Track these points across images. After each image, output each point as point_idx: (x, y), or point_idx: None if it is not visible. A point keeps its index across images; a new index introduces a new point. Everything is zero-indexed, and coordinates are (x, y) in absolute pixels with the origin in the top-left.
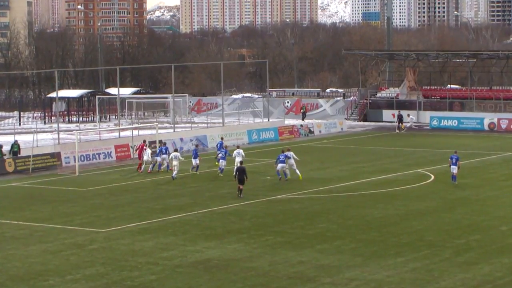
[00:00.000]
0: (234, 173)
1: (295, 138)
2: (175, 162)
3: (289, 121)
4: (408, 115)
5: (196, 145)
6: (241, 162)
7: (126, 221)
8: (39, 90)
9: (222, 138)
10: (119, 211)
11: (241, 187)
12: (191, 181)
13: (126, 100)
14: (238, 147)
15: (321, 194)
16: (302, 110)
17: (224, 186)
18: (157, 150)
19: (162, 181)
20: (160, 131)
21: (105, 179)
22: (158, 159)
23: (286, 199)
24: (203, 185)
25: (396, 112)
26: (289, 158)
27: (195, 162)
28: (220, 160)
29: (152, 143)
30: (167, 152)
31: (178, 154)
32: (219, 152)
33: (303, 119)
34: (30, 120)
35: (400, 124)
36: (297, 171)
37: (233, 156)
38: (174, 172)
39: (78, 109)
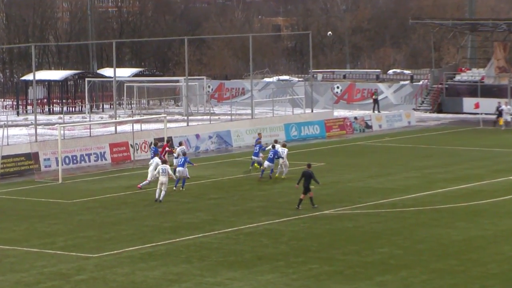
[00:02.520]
0: (298, 180)
1: (347, 135)
2: (162, 179)
3: (340, 112)
4: (506, 104)
5: (184, 153)
6: (308, 165)
7: (124, 243)
8: (10, 71)
9: (259, 134)
10: (115, 231)
11: (303, 197)
12: (211, 191)
13: (125, 84)
14: (276, 142)
15: (382, 209)
16: (374, 97)
17: (253, 198)
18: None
19: (170, 191)
20: (169, 125)
21: (97, 188)
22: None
23: (336, 215)
24: (226, 197)
25: (483, 101)
26: (281, 158)
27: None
28: (267, 164)
29: (158, 140)
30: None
31: (167, 167)
32: (258, 149)
33: (375, 110)
34: None
35: (499, 118)
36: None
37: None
38: (162, 193)
39: (61, 96)
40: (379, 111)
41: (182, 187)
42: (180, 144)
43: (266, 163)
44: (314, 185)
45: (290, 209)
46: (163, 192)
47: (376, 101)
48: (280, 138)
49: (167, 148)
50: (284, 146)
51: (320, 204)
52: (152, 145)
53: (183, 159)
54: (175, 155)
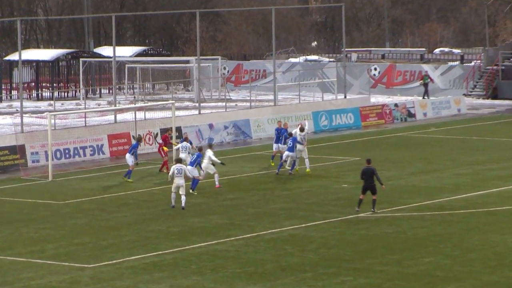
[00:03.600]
0: (361, 175)
1: (386, 125)
2: (179, 181)
3: (377, 98)
4: None
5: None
6: (368, 161)
7: (125, 252)
8: None
9: (285, 125)
10: (114, 237)
11: (362, 197)
12: (226, 191)
13: (126, 66)
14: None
15: (427, 212)
16: (424, 81)
17: (276, 198)
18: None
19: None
20: (178, 113)
21: (94, 186)
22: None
23: (373, 218)
24: (244, 197)
25: None
26: (300, 143)
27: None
28: (287, 154)
29: (164, 131)
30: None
31: (183, 167)
32: (283, 142)
33: (425, 96)
34: None
35: None
36: (307, 162)
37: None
38: (182, 199)
39: (52, 79)
40: (428, 97)
41: (192, 189)
42: (186, 139)
43: (285, 153)
44: (379, 185)
45: (319, 211)
46: (183, 198)
47: (426, 86)
48: (308, 128)
49: (170, 140)
50: (301, 130)
51: (354, 205)
52: (135, 141)
53: (195, 155)
54: (176, 147)
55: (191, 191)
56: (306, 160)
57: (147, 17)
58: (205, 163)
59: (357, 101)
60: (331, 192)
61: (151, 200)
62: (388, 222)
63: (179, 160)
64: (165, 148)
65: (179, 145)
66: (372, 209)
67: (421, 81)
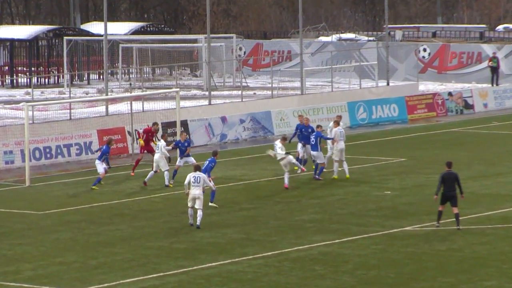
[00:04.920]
0: (439, 182)
1: (438, 118)
2: (196, 192)
3: (427, 86)
4: None
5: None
6: (449, 165)
7: (118, 273)
8: None
9: (306, 120)
10: (106, 254)
11: (441, 208)
12: (242, 198)
13: (121, 46)
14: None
15: (488, 225)
16: (492, 64)
17: (303, 208)
18: (173, 144)
19: (182, 197)
20: (184, 103)
21: (80, 193)
22: (179, 162)
23: (421, 233)
24: (264, 206)
25: None
26: (322, 138)
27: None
28: (313, 153)
29: (167, 128)
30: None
31: (201, 175)
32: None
33: (493, 83)
34: None
35: None
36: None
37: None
38: (198, 215)
39: (30, 61)
40: (497, 84)
41: (211, 201)
42: (109, 142)
43: (312, 154)
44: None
45: (356, 224)
46: (199, 213)
47: (495, 70)
48: (343, 123)
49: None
50: (337, 123)
51: (398, 217)
52: (105, 144)
53: (208, 161)
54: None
55: (210, 203)
56: (344, 163)
57: None
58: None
59: (402, 89)
60: (371, 201)
61: (150, 210)
62: (441, 237)
63: (198, 168)
64: (141, 141)
65: (159, 144)
66: (457, 226)
67: (490, 63)
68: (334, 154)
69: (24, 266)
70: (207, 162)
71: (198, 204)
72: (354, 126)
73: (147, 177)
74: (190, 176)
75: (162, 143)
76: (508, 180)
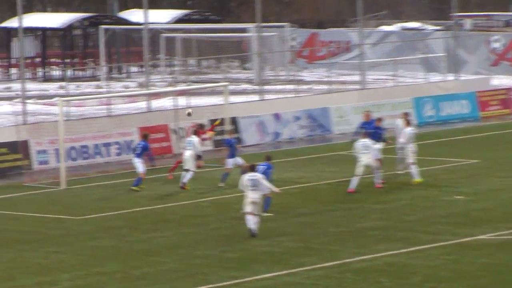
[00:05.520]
0: None
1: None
2: (254, 196)
3: (501, 80)
4: None
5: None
6: None
7: (164, 284)
8: None
9: (366, 114)
10: (150, 264)
11: None
12: (299, 203)
13: (163, 35)
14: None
15: None
16: None
17: (366, 214)
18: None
19: (233, 201)
20: (233, 98)
21: (121, 197)
22: (229, 164)
23: (497, 242)
24: (323, 212)
25: None
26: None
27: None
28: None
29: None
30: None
31: (258, 176)
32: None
33: None
34: None
35: None
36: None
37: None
38: (254, 221)
39: (63, 52)
40: None
41: (266, 210)
42: (145, 137)
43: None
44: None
45: (424, 232)
46: (255, 219)
47: None
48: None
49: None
50: (407, 121)
51: (471, 224)
52: (141, 139)
53: (264, 166)
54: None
55: (264, 214)
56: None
57: None
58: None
59: (473, 84)
60: (440, 206)
61: (198, 215)
62: None
63: (252, 168)
64: (210, 134)
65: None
66: None
67: None
68: (408, 156)
69: (61, 276)
70: (264, 166)
71: (255, 208)
72: (420, 124)
73: (184, 178)
74: (245, 178)
75: (195, 139)
76: None
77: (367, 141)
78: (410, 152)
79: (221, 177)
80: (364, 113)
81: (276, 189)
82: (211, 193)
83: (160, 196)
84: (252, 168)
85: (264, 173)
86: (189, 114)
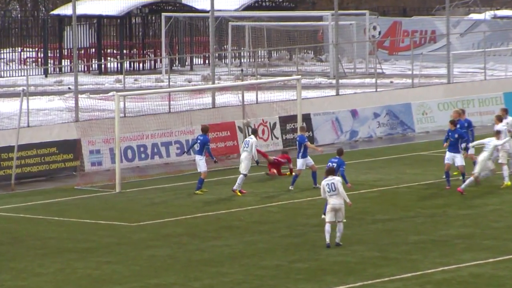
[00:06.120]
0: None
1: None
2: (335, 202)
3: None
4: None
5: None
6: None
7: None
8: (33, 1)
9: (458, 113)
10: (212, 275)
11: None
12: (376, 208)
13: (230, 24)
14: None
15: None
16: None
17: (450, 220)
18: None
19: (304, 206)
20: (306, 93)
21: (181, 201)
22: (299, 164)
23: None
24: (403, 218)
25: None
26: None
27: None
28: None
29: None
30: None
31: (336, 180)
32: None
33: None
34: (10, 67)
35: None
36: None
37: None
38: (338, 232)
39: (121, 43)
40: None
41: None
42: (205, 130)
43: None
44: None
45: None
46: (339, 228)
47: None
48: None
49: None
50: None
51: None
52: (202, 132)
53: (335, 164)
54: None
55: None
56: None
57: None
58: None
59: None
60: None
61: (265, 222)
62: None
63: (330, 171)
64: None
65: (249, 140)
66: None
67: None
68: (500, 156)
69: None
70: (335, 165)
71: (339, 216)
72: None
73: (238, 183)
74: (323, 184)
75: (253, 139)
76: None
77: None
78: (503, 152)
79: (291, 179)
80: (455, 111)
81: (348, 200)
82: (279, 197)
83: (224, 201)
84: (330, 172)
85: (341, 171)
86: (247, 124)
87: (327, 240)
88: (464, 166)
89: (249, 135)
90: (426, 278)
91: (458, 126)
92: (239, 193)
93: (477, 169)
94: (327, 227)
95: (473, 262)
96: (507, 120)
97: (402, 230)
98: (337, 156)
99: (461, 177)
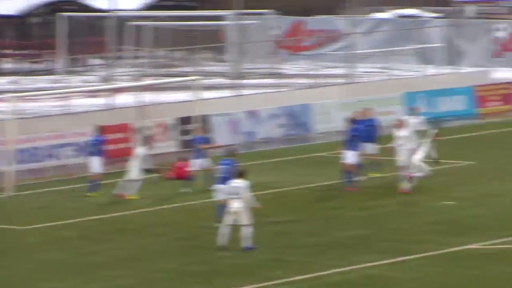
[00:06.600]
0: None
1: None
2: (236, 206)
3: (504, 73)
4: None
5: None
6: None
7: None
8: None
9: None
10: (105, 278)
11: None
12: (273, 210)
13: (129, 24)
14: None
15: None
16: None
17: (346, 222)
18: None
19: (199, 207)
20: (207, 94)
21: (74, 204)
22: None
23: (490, 252)
24: (300, 220)
25: None
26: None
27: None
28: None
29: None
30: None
31: (241, 184)
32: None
33: None
34: None
35: None
36: None
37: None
38: (245, 234)
39: (18, 43)
40: None
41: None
42: (100, 131)
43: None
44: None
45: (409, 241)
46: (244, 231)
47: None
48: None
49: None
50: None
51: (463, 232)
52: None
53: (225, 165)
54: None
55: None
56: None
57: None
58: None
59: (472, 77)
60: (428, 213)
61: (159, 225)
62: None
63: (240, 174)
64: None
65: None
66: None
67: None
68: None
69: None
70: (227, 167)
71: (240, 218)
72: None
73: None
74: (226, 187)
75: (141, 150)
76: None
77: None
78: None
79: (186, 181)
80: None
81: (256, 204)
82: (174, 200)
83: (117, 203)
84: (240, 174)
85: (228, 172)
86: (141, 130)
87: (221, 242)
88: (354, 165)
89: (141, 144)
90: (319, 280)
91: (360, 125)
92: (129, 197)
93: (412, 168)
94: (223, 229)
95: (368, 263)
96: (418, 119)
97: (297, 232)
98: (229, 157)
99: (346, 176)
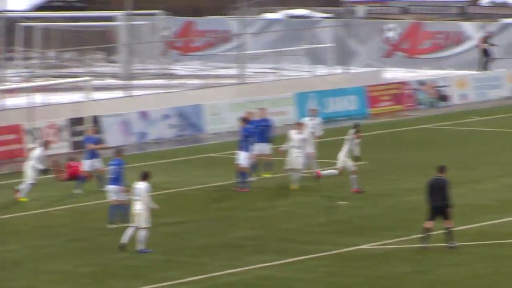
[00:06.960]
0: (427, 192)
1: (406, 112)
2: (137, 208)
3: (395, 73)
4: None
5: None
6: (441, 169)
7: None
8: None
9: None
10: (1, 286)
11: (430, 225)
12: (165, 211)
13: (19, 24)
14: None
15: (463, 242)
16: (487, 44)
17: (239, 223)
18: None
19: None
20: (98, 95)
21: None
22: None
23: (382, 252)
24: (193, 221)
25: None
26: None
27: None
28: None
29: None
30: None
31: (143, 186)
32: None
33: (485, 67)
34: None
35: None
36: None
37: None
38: (140, 236)
39: None
40: (486, 69)
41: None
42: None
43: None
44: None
45: (301, 241)
46: (139, 233)
47: (487, 53)
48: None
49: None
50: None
51: (354, 232)
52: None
53: (115, 164)
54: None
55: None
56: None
57: None
58: None
59: (363, 77)
60: (321, 214)
61: (51, 226)
62: (404, 257)
63: (144, 176)
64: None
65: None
66: (449, 244)
67: (482, 44)
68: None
69: None
70: (115, 168)
71: (138, 220)
72: None
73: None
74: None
75: (38, 151)
76: (487, 187)
77: None
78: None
79: (77, 182)
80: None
81: (154, 206)
82: (66, 201)
83: (7, 205)
84: (144, 177)
85: (116, 172)
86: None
87: (123, 240)
88: (247, 166)
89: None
90: (213, 281)
91: (253, 125)
92: (21, 199)
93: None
94: (129, 230)
95: (261, 264)
96: (315, 121)
97: (190, 233)
98: (117, 157)
99: (239, 177)
